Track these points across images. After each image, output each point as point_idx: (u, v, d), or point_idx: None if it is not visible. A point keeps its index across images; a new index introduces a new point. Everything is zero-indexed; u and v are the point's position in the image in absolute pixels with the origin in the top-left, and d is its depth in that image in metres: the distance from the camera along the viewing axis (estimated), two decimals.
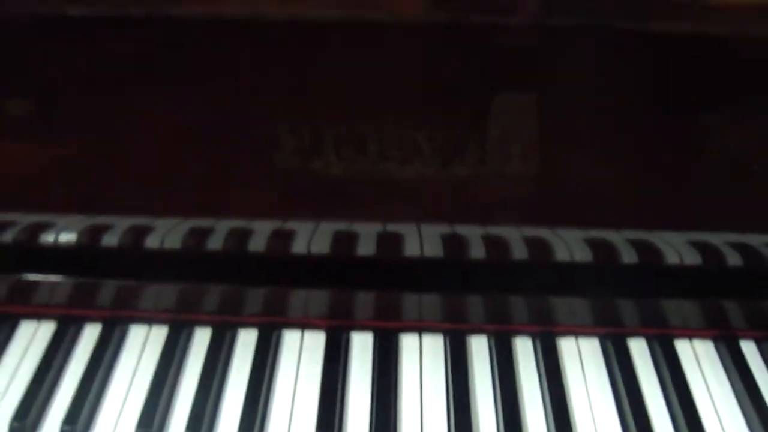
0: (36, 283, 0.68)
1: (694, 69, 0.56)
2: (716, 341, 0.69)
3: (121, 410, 0.63)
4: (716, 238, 0.63)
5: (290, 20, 0.52)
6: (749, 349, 0.68)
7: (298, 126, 0.58)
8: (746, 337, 0.69)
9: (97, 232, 0.65)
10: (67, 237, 0.65)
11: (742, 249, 0.64)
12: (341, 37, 0.54)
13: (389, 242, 0.64)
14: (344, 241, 0.64)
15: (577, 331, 0.69)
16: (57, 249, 0.66)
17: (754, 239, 0.64)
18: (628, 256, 0.65)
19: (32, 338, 0.69)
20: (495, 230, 0.64)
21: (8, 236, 0.65)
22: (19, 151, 0.61)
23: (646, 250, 0.64)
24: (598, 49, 0.55)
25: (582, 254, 0.65)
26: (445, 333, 0.68)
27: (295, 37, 0.54)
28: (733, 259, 0.65)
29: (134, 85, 0.57)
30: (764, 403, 0.63)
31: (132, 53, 0.55)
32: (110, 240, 0.65)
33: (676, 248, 0.64)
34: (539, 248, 0.64)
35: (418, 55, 0.56)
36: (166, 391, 0.63)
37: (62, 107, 0.59)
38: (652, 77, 0.56)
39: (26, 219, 0.64)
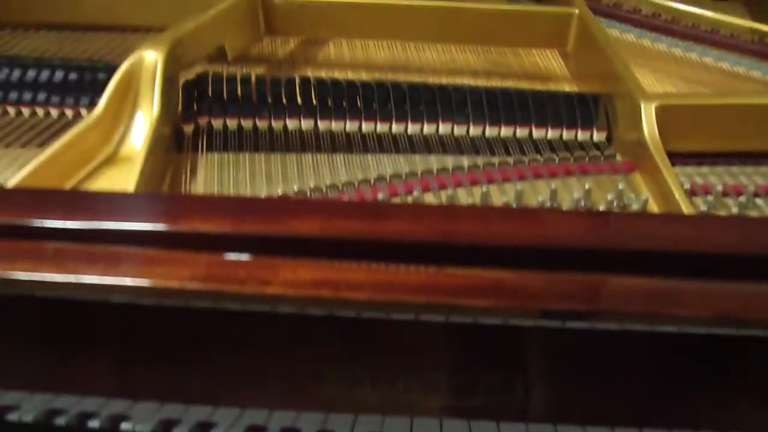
0: None
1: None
2: None
3: None
4: None
5: (337, 317, 0.66)
6: None
7: (342, 370, 0.71)
8: None
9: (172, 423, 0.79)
10: (146, 427, 0.80)
11: None
12: (373, 325, 0.68)
13: None
14: None
15: None
16: None
17: None
18: None
19: None
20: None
21: (96, 422, 0.80)
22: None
23: None
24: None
25: None
26: None
27: (339, 325, 0.68)
28: None
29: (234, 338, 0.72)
30: None
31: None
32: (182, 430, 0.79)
33: None
34: None
35: (434, 334, 0.69)
36: None
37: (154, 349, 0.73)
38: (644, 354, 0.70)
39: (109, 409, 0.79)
